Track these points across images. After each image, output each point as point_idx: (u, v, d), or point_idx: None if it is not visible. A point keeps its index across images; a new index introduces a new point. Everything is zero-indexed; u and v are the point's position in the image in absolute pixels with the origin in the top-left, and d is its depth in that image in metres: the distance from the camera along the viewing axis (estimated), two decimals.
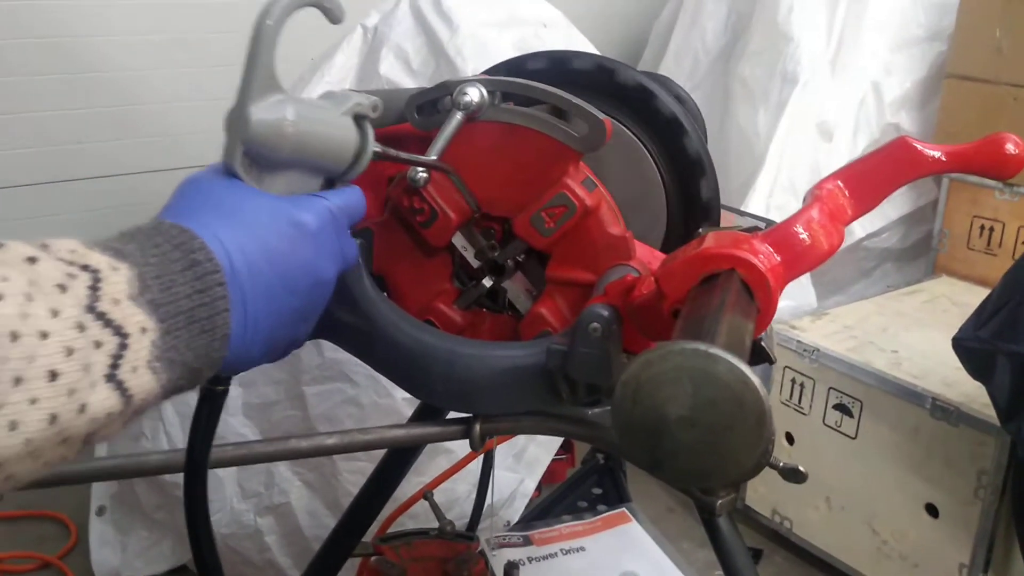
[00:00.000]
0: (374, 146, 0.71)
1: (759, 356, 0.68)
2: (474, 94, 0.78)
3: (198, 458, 0.76)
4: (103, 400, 0.46)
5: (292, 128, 0.62)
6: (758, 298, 0.60)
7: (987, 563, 1.95)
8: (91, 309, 0.46)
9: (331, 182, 0.71)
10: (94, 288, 0.46)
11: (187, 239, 0.54)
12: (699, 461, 0.49)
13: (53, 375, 0.43)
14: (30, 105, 2.54)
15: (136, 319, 0.48)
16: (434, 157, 0.77)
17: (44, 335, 0.43)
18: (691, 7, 3.04)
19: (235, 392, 1.86)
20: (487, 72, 0.92)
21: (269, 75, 0.62)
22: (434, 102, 0.81)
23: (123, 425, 0.49)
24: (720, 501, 0.80)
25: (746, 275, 0.60)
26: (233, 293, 0.56)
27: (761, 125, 2.65)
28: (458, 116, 0.78)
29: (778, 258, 0.61)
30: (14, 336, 0.42)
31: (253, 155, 0.62)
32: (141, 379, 0.49)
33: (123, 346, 0.47)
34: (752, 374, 0.46)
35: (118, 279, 0.48)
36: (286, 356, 0.71)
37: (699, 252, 0.61)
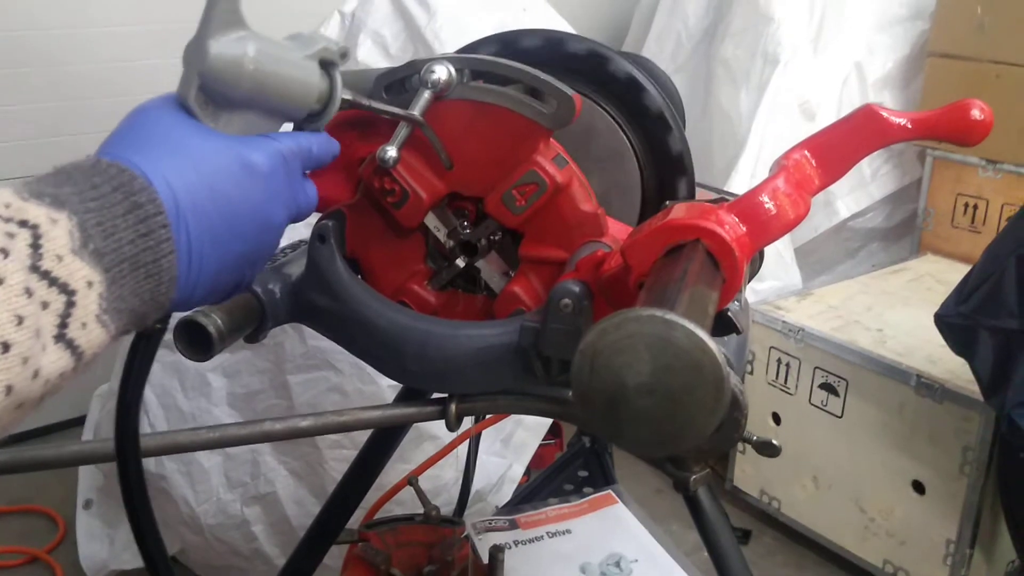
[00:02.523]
0: (344, 93, 0.70)
1: (725, 326, 0.68)
2: (442, 72, 0.77)
3: (130, 399, 0.73)
4: (55, 362, 0.45)
5: (252, 65, 0.60)
6: (724, 268, 0.59)
7: (974, 538, 1.96)
8: (35, 269, 0.44)
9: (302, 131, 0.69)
10: (35, 246, 0.45)
11: (127, 179, 0.52)
12: (659, 428, 0.48)
13: (5, 347, 0.42)
14: (9, 99, 2.52)
15: (81, 273, 0.47)
16: (415, 112, 0.76)
17: None
18: None
19: (219, 383, 1.85)
20: (474, 46, 0.91)
21: (233, 9, 0.60)
22: (402, 81, 0.80)
23: (74, 379, 0.48)
24: (694, 476, 0.80)
25: (711, 245, 0.59)
26: (178, 235, 0.55)
27: (743, 106, 2.64)
28: (426, 94, 0.77)
29: (743, 228, 0.61)
30: None
31: (209, 91, 0.60)
32: (91, 334, 0.48)
33: (70, 304, 0.46)
34: (710, 339, 0.45)
35: (59, 233, 0.46)
36: (229, 298, 0.70)
37: (664, 224, 0.61)
